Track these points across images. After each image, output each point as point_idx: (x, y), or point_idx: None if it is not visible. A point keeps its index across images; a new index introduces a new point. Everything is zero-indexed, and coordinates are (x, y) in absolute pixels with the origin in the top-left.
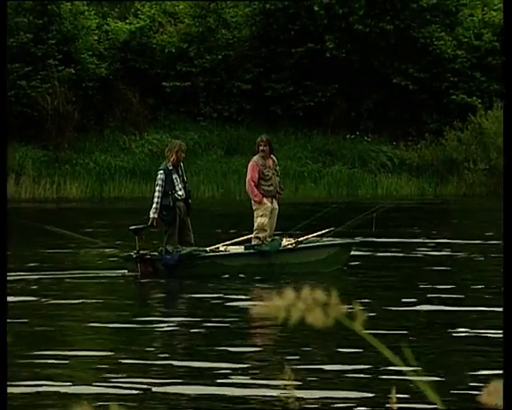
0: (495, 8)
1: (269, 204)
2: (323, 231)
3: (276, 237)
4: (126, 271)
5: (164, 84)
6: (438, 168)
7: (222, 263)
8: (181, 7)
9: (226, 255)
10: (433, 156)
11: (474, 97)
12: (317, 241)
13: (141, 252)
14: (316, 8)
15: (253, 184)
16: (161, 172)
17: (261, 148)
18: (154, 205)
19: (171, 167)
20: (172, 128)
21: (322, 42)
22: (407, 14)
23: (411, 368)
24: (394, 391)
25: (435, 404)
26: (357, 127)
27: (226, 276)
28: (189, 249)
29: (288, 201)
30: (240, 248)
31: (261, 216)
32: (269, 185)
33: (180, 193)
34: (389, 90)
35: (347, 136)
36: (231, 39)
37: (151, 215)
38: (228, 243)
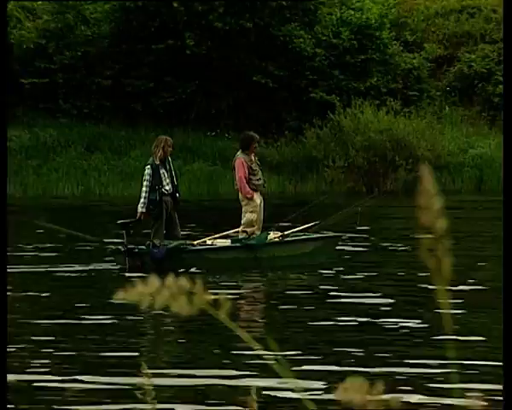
0: (353, 6)
1: (258, 201)
2: (309, 225)
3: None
4: (114, 264)
5: (22, 80)
6: (297, 166)
7: (208, 257)
8: (39, 2)
9: (213, 249)
10: (292, 154)
11: (333, 95)
12: (304, 234)
13: (129, 246)
14: (175, 5)
15: (244, 181)
16: (148, 167)
17: (255, 145)
18: (142, 200)
19: (158, 162)
20: (31, 125)
21: (182, 39)
22: (266, 12)
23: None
24: (254, 390)
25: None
26: (217, 124)
27: (213, 269)
28: (175, 243)
29: None
30: (226, 242)
31: (251, 212)
32: (257, 179)
33: (167, 188)
34: (249, 87)
35: (208, 133)
36: (91, 36)
37: (139, 210)
38: (215, 236)
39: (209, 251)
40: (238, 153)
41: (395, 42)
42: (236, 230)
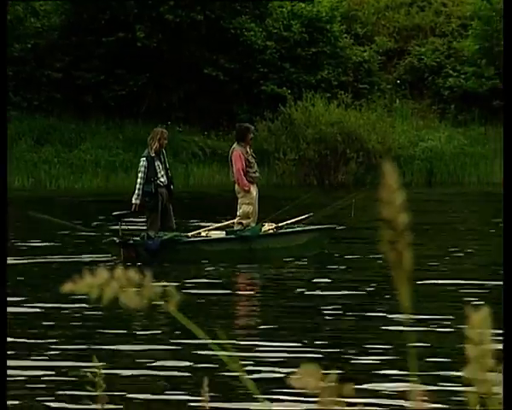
0: None
1: (254, 193)
2: (303, 217)
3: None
4: (109, 255)
5: None
6: None
7: (203, 248)
8: None
9: (207, 241)
10: None
11: (284, 88)
12: (298, 226)
13: (123, 237)
14: None
15: (242, 173)
16: (143, 159)
17: (251, 136)
18: (136, 191)
19: (153, 154)
20: None
21: (133, 31)
22: (217, 5)
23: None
24: (206, 382)
25: None
26: (168, 117)
27: (207, 261)
28: (170, 235)
29: (100, 191)
30: (221, 234)
31: (247, 204)
32: (254, 172)
33: (162, 180)
34: (200, 80)
35: (159, 125)
36: (40, 28)
37: (133, 201)
38: (210, 228)
39: (203, 243)
40: (234, 145)
41: (346, 35)
42: (232, 221)
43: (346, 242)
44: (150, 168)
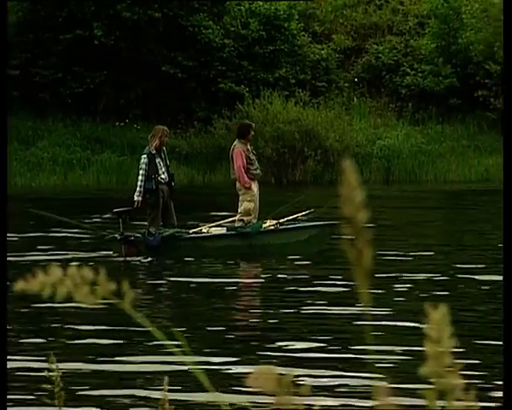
0: None
1: (255, 190)
2: (304, 213)
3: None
4: (111, 252)
5: None
6: (207, 156)
7: (204, 244)
8: None
9: (208, 237)
10: (202, 144)
11: (242, 86)
12: (299, 222)
13: (125, 234)
14: None
15: (243, 170)
16: (144, 156)
17: (253, 134)
18: (138, 188)
19: (154, 152)
20: None
21: (91, 29)
22: (175, 3)
23: (179, 348)
24: (167, 381)
25: None
26: (126, 115)
27: (208, 257)
28: (171, 231)
29: (58, 189)
30: (222, 230)
31: (248, 201)
32: (255, 169)
33: (163, 176)
34: (158, 77)
35: (116, 123)
36: None
37: (135, 198)
38: (211, 224)
39: (204, 239)
40: (235, 142)
41: (304, 33)
42: (232, 218)
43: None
44: (151, 165)
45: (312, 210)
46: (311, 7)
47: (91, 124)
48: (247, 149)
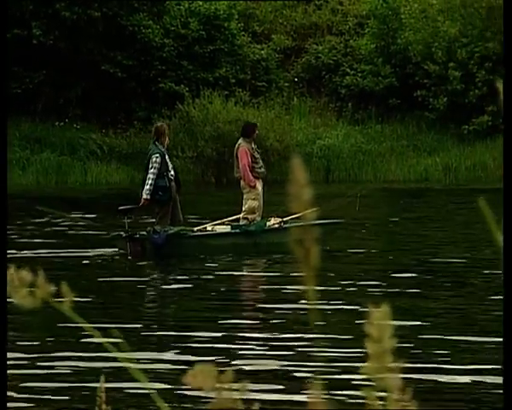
0: None
1: (260, 188)
2: (308, 211)
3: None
4: (116, 249)
5: None
6: (147, 156)
7: (208, 242)
8: None
9: (213, 235)
10: (142, 144)
11: (182, 86)
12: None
13: (130, 232)
14: None
15: (248, 169)
16: (157, 155)
17: (257, 133)
18: (148, 187)
19: (163, 149)
20: None
21: (29, 28)
22: (115, 2)
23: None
24: (103, 380)
25: None
26: (65, 114)
27: (212, 255)
28: (176, 229)
29: None
30: (226, 228)
31: (253, 199)
32: (260, 167)
33: (172, 173)
34: (98, 77)
35: (56, 123)
36: None
37: (144, 196)
38: (215, 222)
39: (209, 237)
40: (240, 141)
41: (243, 33)
42: (237, 216)
43: (347, 235)
44: (162, 163)
45: (318, 208)
46: (250, 7)
47: (30, 124)
48: (252, 148)
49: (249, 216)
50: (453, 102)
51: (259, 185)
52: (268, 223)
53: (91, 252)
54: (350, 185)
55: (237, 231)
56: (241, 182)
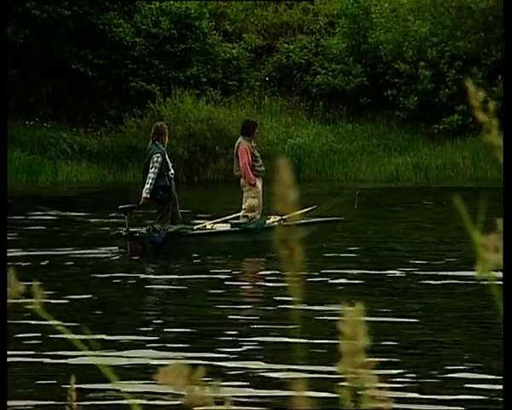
0: None
1: (260, 187)
2: (307, 209)
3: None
4: (116, 248)
5: None
6: (118, 155)
7: (208, 241)
8: None
9: (212, 233)
10: (113, 143)
11: (153, 85)
12: (302, 218)
13: (130, 230)
14: None
15: (248, 167)
16: (158, 155)
17: (257, 131)
18: (148, 186)
19: (164, 149)
20: None
21: None
22: (85, 1)
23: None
24: (73, 380)
25: None
26: (36, 113)
27: (212, 253)
28: (176, 227)
29: None
30: (226, 226)
31: (252, 198)
32: (260, 166)
33: (172, 172)
34: (68, 76)
35: (26, 122)
36: None
37: (144, 195)
38: (215, 221)
39: (208, 235)
40: (240, 139)
41: (214, 32)
42: (237, 214)
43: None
44: (163, 163)
45: (315, 207)
46: (221, 6)
47: None
48: (252, 146)
49: (249, 214)
50: (423, 102)
51: (259, 184)
52: (268, 221)
53: (88, 251)
54: (320, 185)
55: (237, 229)
56: (241, 180)
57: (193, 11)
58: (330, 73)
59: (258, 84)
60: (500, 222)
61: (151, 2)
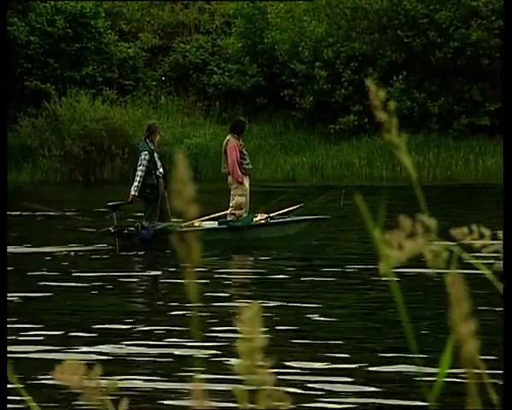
0: None
1: (247, 185)
2: (294, 207)
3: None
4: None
5: None
6: (12, 154)
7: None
8: None
9: (200, 230)
10: (8, 142)
11: (48, 84)
12: (289, 216)
13: (118, 227)
14: None
15: (237, 165)
16: (146, 153)
17: (245, 129)
18: (136, 183)
19: (152, 147)
20: None
21: None
22: None
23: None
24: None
25: None
26: None
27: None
28: (164, 225)
29: None
30: (213, 224)
31: (240, 195)
32: (247, 164)
33: (161, 170)
34: None
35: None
36: None
37: (132, 192)
38: (203, 218)
39: (196, 233)
40: (229, 137)
41: (110, 31)
42: (224, 212)
43: (332, 231)
44: (151, 161)
45: (302, 204)
46: (117, 5)
47: None
48: (240, 144)
49: (236, 212)
50: (320, 102)
51: (246, 181)
52: (254, 219)
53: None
54: (217, 184)
55: (224, 226)
56: (229, 178)
57: (88, 10)
58: (227, 73)
59: (154, 83)
60: (403, 219)
61: (46, 0)
